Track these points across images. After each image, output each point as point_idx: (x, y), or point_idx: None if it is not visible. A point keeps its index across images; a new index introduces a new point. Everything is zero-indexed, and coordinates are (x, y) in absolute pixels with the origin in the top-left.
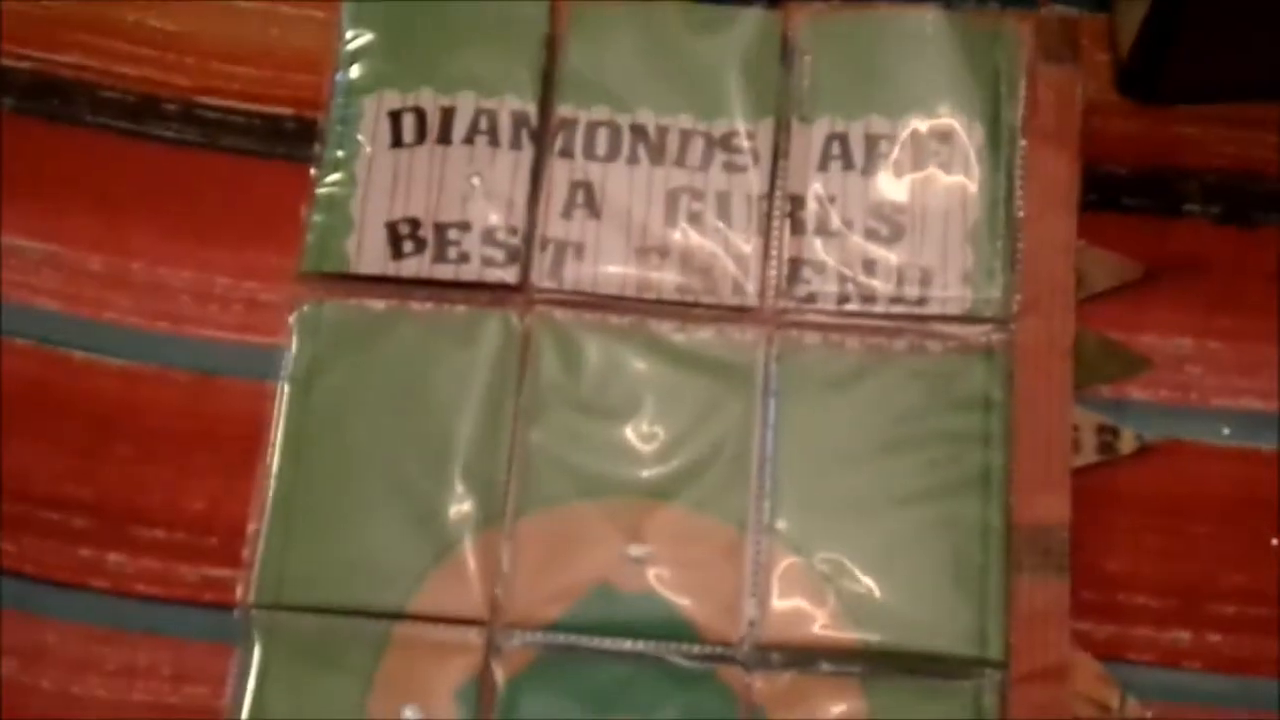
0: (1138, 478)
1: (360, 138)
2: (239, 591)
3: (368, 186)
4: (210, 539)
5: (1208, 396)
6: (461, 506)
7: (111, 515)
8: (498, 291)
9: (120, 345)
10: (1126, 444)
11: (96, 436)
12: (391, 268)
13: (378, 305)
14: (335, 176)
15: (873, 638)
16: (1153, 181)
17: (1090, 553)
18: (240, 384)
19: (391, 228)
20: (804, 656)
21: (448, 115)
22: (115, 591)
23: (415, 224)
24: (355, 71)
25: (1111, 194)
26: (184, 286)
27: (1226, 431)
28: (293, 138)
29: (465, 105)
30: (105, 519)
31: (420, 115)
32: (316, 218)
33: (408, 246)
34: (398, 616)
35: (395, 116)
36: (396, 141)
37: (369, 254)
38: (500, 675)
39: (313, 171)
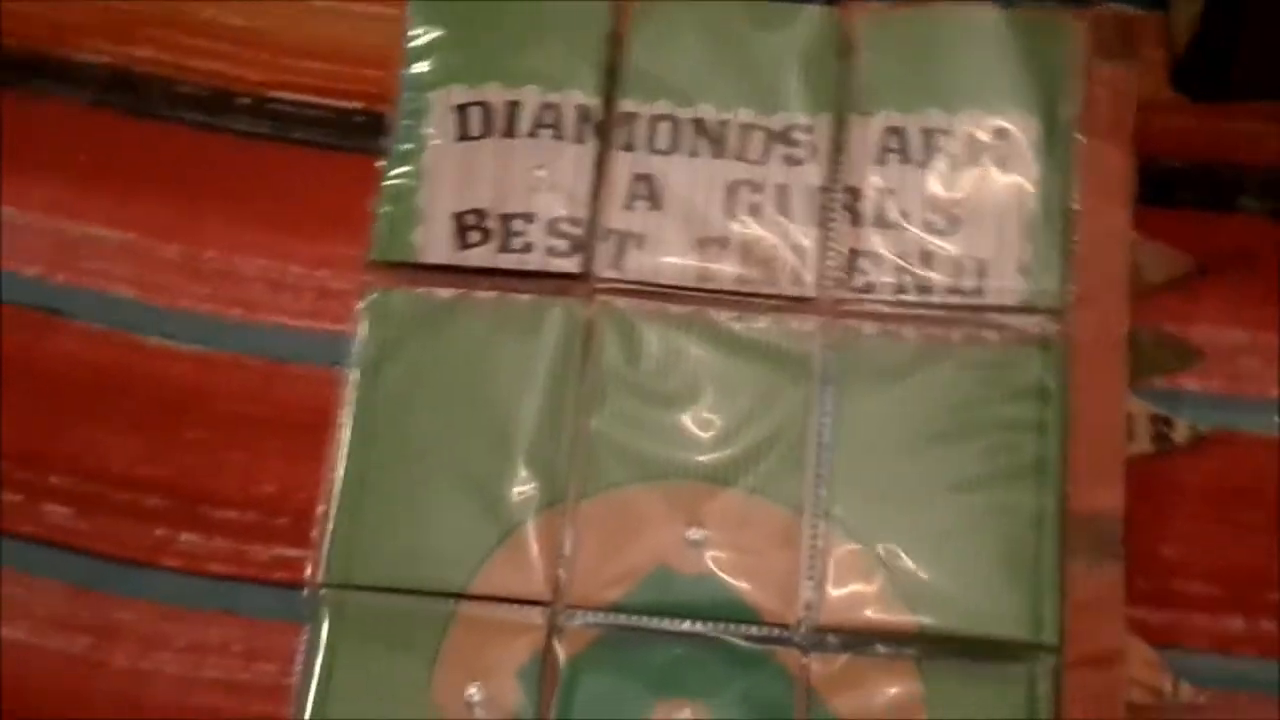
0: (1192, 467)
1: (428, 131)
2: (308, 571)
3: (435, 178)
4: (281, 519)
5: (1262, 388)
6: (524, 489)
7: (184, 496)
8: (561, 281)
9: (194, 331)
10: (1180, 434)
11: (170, 420)
12: (458, 257)
13: (444, 294)
14: (403, 169)
15: (928, 621)
16: (1206, 177)
17: (1145, 540)
18: (311, 370)
19: (458, 218)
20: (860, 639)
21: (513, 109)
22: (188, 570)
23: (481, 215)
24: (422, 66)
25: (1165, 189)
26: (257, 274)
27: (1277, 420)
28: (362, 130)
29: (530, 99)
30: (178, 499)
31: (486, 109)
32: (385, 209)
33: (473, 237)
34: (461, 596)
35: (462, 110)
36: (463, 134)
37: (435, 244)
38: (562, 654)
39: (381, 164)
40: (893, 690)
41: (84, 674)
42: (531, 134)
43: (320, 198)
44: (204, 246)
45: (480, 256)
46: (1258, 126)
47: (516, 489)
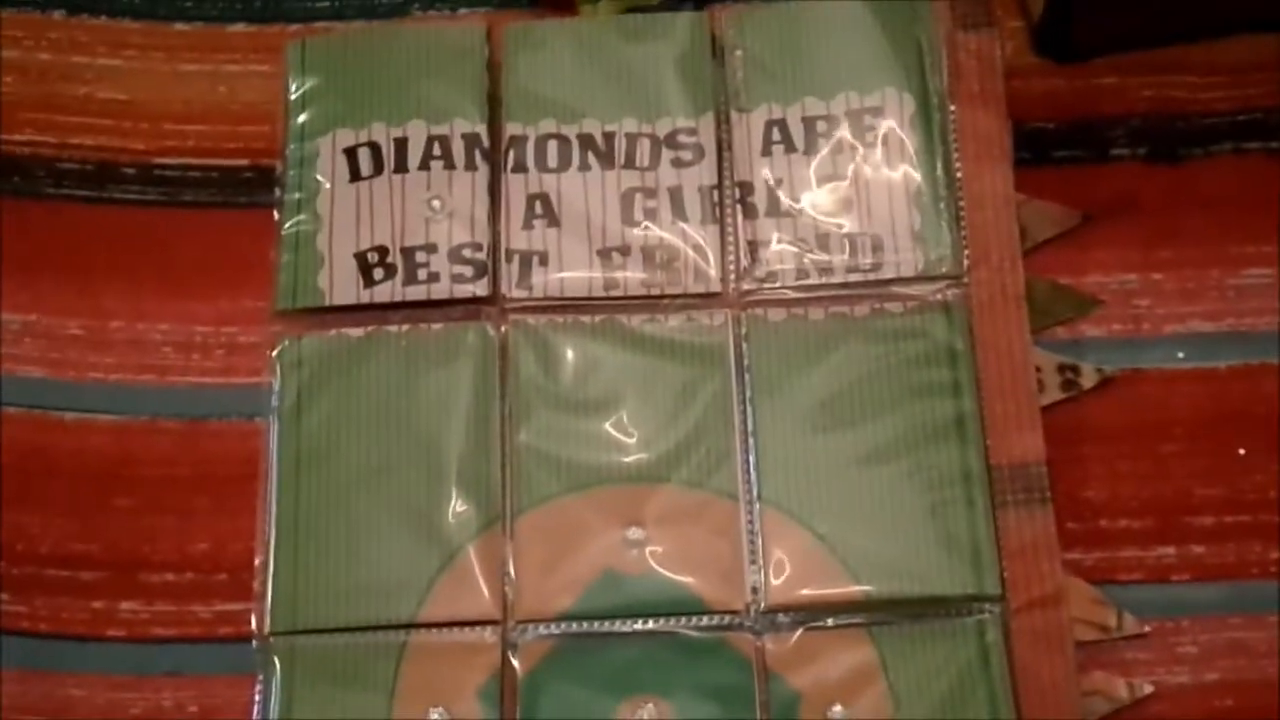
0: (1104, 409)
1: (319, 176)
2: (254, 622)
3: (332, 221)
4: (219, 575)
5: (1159, 325)
6: (460, 513)
7: (120, 566)
8: (470, 306)
9: (109, 402)
10: (1088, 378)
11: (96, 493)
12: (365, 295)
13: (355, 333)
14: (299, 216)
15: (873, 588)
16: (1080, 132)
17: (1069, 485)
18: (229, 425)
19: (360, 258)
20: (809, 615)
21: (401, 146)
22: (132, 638)
23: (383, 251)
24: (306, 115)
25: (1042, 149)
26: (164, 339)
27: (1181, 355)
28: (250, 185)
29: (417, 134)
30: (114, 570)
31: (375, 149)
32: (286, 257)
33: (378, 274)
34: (411, 626)
35: (351, 153)
36: (355, 175)
37: (341, 286)
38: (519, 669)
39: (276, 215)
40: (849, 659)
41: None
42: (422, 166)
43: (217, 256)
44: (107, 318)
45: (388, 292)
46: (1121, 78)
47: (453, 513)
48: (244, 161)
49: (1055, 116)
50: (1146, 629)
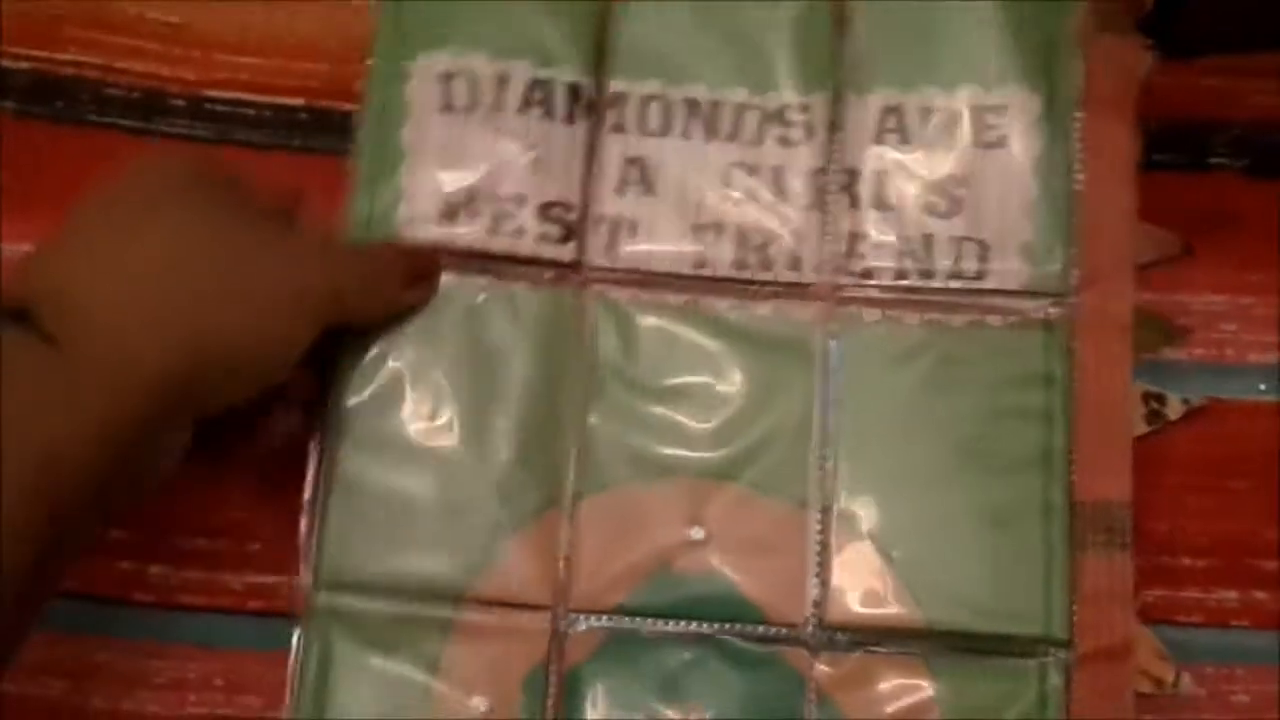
0: (1174, 439)
1: (408, 100)
2: (301, 571)
3: (419, 152)
4: (253, 545)
5: (1243, 353)
6: (521, 490)
7: (149, 527)
8: (553, 269)
9: None
10: (1174, 410)
11: None
12: (445, 237)
13: None
14: (381, 142)
15: (937, 618)
16: (1179, 136)
17: (1136, 517)
18: None
19: (445, 196)
20: (868, 637)
21: (502, 83)
22: (161, 605)
23: (472, 194)
24: (400, 29)
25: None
26: None
27: (1263, 387)
28: (306, 128)
29: (520, 74)
30: (143, 531)
31: (473, 81)
32: (363, 184)
33: (462, 217)
34: (460, 600)
35: (445, 79)
36: (447, 106)
37: (421, 223)
38: (567, 660)
39: (357, 136)
40: (904, 688)
41: (64, 718)
42: (521, 110)
43: None
44: None
45: (469, 238)
46: (1229, 82)
47: (515, 487)
48: (299, 101)
49: (1156, 117)
50: (1202, 692)
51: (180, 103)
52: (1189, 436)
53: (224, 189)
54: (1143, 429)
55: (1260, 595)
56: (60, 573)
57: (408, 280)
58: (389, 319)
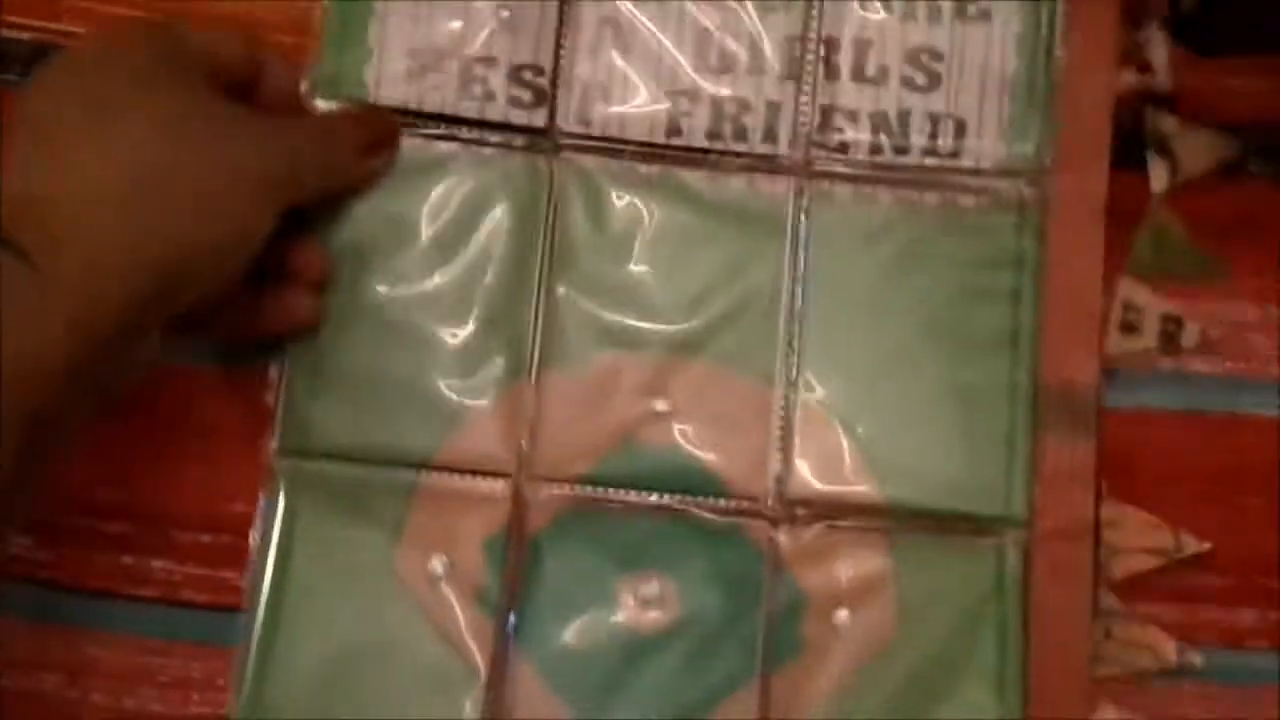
0: (1191, 452)
1: None
2: (266, 439)
3: (387, 8)
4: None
5: (1266, 366)
6: (488, 357)
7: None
8: (523, 134)
9: None
10: (1189, 338)
11: (125, 435)
12: (414, 98)
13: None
14: None
15: (897, 494)
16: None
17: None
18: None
19: (413, 55)
20: (829, 512)
21: None
22: (164, 600)
23: (440, 54)
24: None
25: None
26: None
27: None
28: None
29: None
30: (142, 524)
31: None
32: (330, 41)
33: (431, 78)
34: (424, 466)
35: None
36: None
37: (389, 83)
38: (527, 527)
39: None
40: (861, 564)
41: (60, 713)
42: None
43: None
44: None
45: (438, 101)
46: (1259, 83)
47: (481, 356)
48: None
49: (1187, 115)
50: (1207, 545)
51: None
52: (1205, 449)
53: (184, 71)
54: (1152, 344)
55: (1276, 616)
56: (42, 474)
57: (367, 150)
58: (349, 192)
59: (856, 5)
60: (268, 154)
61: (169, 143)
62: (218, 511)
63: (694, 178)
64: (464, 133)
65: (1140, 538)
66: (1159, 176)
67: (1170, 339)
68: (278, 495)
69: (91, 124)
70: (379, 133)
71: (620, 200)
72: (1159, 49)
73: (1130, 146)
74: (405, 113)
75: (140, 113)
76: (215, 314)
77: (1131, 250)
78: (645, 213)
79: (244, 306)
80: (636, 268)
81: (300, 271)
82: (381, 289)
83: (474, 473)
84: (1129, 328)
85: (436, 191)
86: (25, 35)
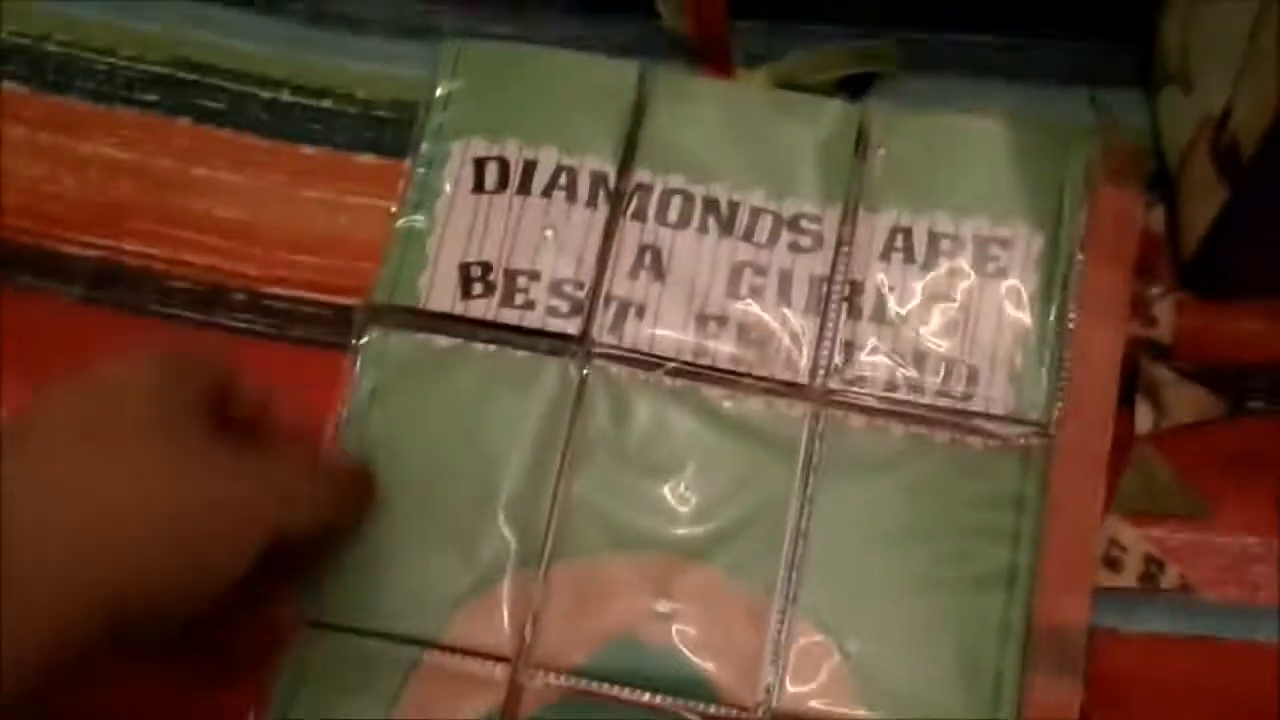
0: (1204, 678)
1: (444, 179)
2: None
3: (446, 227)
4: None
5: (1272, 596)
6: (500, 544)
7: None
8: (558, 341)
9: None
10: (1169, 581)
11: None
12: (460, 306)
13: (442, 342)
14: (416, 215)
15: (885, 719)
16: (1217, 377)
17: None
18: None
19: (464, 269)
20: None
21: (530, 167)
22: None
23: (487, 268)
24: (445, 116)
25: None
26: None
27: None
28: None
29: (547, 159)
30: None
31: (504, 164)
32: (393, 251)
33: (477, 289)
34: (428, 644)
35: (480, 163)
36: (478, 187)
37: (440, 292)
38: (520, 712)
39: (393, 208)
40: None
41: None
42: (545, 194)
43: (325, 399)
44: None
45: (482, 308)
46: (1269, 324)
47: (493, 543)
48: (356, 301)
49: (1192, 357)
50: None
51: (241, 297)
52: (1218, 676)
53: (192, 407)
54: (1132, 583)
55: None
56: None
57: (351, 507)
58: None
59: (880, 254)
60: (257, 507)
61: (157, 491)
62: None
63: (716, 395)
64: (502, 335)
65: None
66: (1144, 419)
67: (1150, 579)
68: (285, 665)
69: (86, 454)
70: (365, 490)
71: (644, 407)
72: (1165, 304)
73: (1121, 388)
74: (450, 318)
75: (136, 455)
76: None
77: (1120, 488)
78: (667, 422)
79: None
80: (653, 472)
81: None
82: (407, 470)
83: (475, 654)
84: (1111, 564)
85: (471, 385)
86: (91, 253)
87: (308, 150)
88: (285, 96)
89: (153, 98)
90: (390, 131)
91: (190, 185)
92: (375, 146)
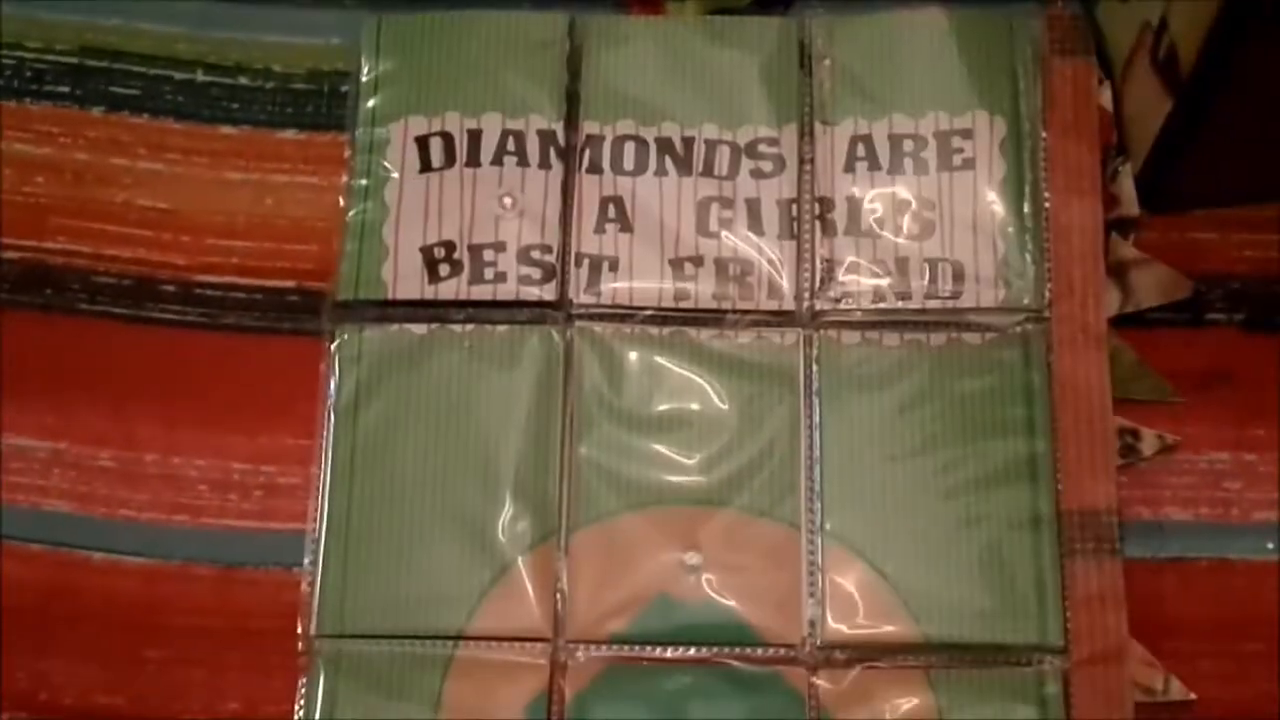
0: (1187, 603)
1: (388, 164)
2: (299, 623)
3: (400, 212)
4: None
5: (1248, 512)
6: (515, 525)
7: None
8: (536, 309)
9: (140, 543)
10: (1148, 445)
11: (123, 641)
12: (430, 291)
13: (417, 329)
14: (365, 205)
15: (933, 631)
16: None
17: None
18: (267, 575)
19: (426, 252)
20: (866, 653)
21: (475, 137)
22: None
23: (450, 247)
24: (378, 99)
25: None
26: (200, 476)
27: (1270, 546)
28: (297, 310)
29: (492, 127)
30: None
31: (447, 139)
32: (349, 246)
33: (444, 270)
34: (459, 638)
35: (422, 142)
36: (425, 166)
37: (405, 279)
38: (568, 691)
39: (341, 200)
40: (904, 702)
41: None
42: (495, 162)
43: (259, 386)
44: (141, 450)
45: (453, 289)
46: (1223, 236)
47: (507, 524)
48: (290, 283)
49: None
50: (1193, 696)
51: (171, 288)
52: (1199, 599)
53: None
54: (1116, 461)
55: None
56: None
57: None
58: None
59: (843, 166)
60: None
61: None
62: (216, 710)
63: (704, 336)
64: (478, 314)
65: (1135, 671)
66: (1110, 302)
67: (1131, 450)
68: (317, 678)
69: None
70: None
71: (634, 361)
72: (1125, 180)
73: None
74: (420, 304)
75: None
76: None
77: None
78: (660, 372)
79: None
80: (656, 425)
81: None
82: (404, 466)
83: (510, 639)
84: None
85: (455, 368)
86: (13, 255)
87: (227, 130)
88: (200, 77)
89: (64, 89)
90: (310, 104)
91: (109, 176)
92: (297, 121)
